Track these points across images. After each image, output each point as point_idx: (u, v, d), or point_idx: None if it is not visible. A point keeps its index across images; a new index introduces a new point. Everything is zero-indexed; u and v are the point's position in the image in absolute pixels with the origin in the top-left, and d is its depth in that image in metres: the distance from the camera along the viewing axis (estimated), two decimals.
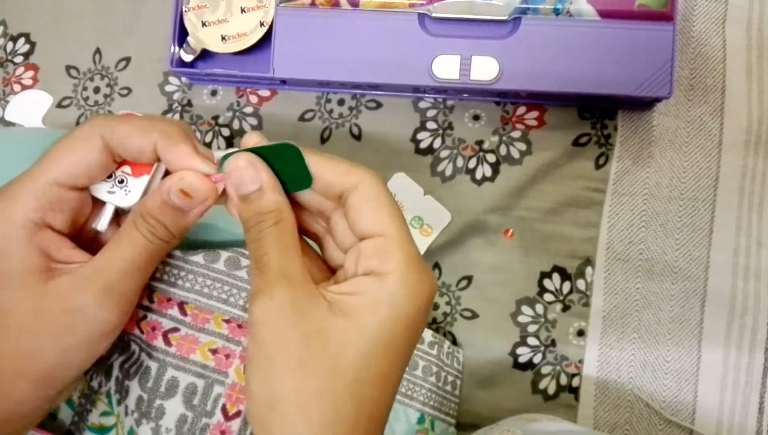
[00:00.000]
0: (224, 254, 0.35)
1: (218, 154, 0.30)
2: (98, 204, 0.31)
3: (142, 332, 0.34)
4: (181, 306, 0.35)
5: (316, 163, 0.29)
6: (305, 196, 0.30)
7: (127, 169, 0.31)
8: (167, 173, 0.31)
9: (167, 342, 0.34)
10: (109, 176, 0.30)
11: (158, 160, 0.30)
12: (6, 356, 0.28)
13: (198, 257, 0.35)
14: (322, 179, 0.29)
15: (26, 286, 0.28)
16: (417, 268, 0.27)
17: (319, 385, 0.26)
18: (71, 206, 0.29)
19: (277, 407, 0.26)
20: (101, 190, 0.30)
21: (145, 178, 0.30)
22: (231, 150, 0.30)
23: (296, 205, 0.31)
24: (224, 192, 0.30)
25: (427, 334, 0.44)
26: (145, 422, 0.32)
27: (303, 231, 0.32)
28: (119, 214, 0.32)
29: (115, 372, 0.35)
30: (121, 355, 0.35)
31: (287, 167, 0.29)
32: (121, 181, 0.30)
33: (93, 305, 0.28)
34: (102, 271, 0.29)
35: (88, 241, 0.32)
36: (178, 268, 0.35)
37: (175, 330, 0.34)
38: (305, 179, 0.29)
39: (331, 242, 0.31)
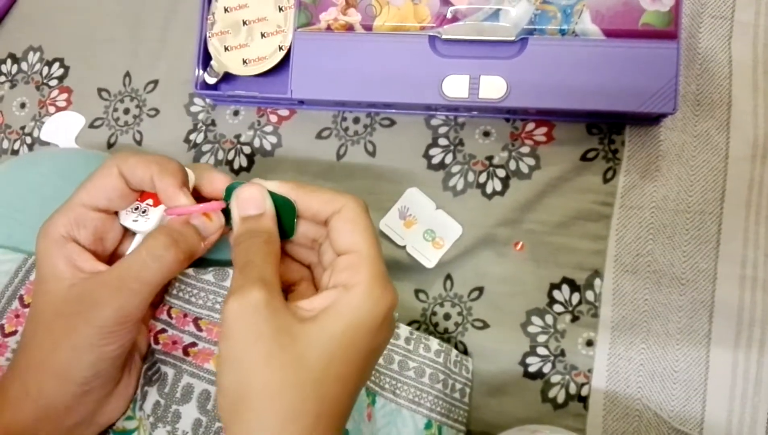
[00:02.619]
0: (232, 272, 0.38)
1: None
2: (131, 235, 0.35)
3: (158, 343, 0.37)
4: (196, 322, 0.37)
5: (304, 194, 0.33)
6: (301, 225, 0.34)
7: (150, 201, 0.34)
8: None
9: (186, 354, 0.36)
10: (136, 208, 0.34)
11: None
12: (30, 347, 0.32)
13: (208, 276, 0.37)
14: (311, 208, 0.33)
15: (52, 288, 0.32)
16: (381, 283, 0.30)
17: (287, 378, 0.28)
18: (93, 224, 0.33)
19: (247, 399, 0.27)
20: (127, 219, 0.34)
21: (162, 208, 0.34)
22: (237, 181, 0.34)
23: (291, 242, 0.34)
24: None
25: (434, 343, 0.45)
26: (161, 426, 0.34)
27: (298, 261, 0.36)
28: None
29: (141, 379, 0.37)
30: (146, 362, 0.38)
31: (281, 216, 0.33)
32: (144, 212, 0.34)
33: (88, 315, 0.31)
34: (108, 280, 0.31)
35: None
36: (191, 286, 0.37)
37: (194, 345, 0.37)
38: (290, 231, 0.34)
39: (320, 269, 0.35)
